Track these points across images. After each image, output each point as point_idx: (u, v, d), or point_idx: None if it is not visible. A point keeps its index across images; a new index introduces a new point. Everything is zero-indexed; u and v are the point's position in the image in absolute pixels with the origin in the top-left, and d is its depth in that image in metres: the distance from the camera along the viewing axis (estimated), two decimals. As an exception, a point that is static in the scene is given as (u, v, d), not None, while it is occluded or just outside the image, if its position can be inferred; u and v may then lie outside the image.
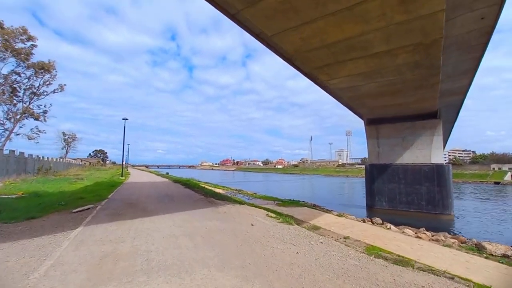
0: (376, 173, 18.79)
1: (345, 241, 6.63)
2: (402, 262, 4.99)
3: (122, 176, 28.71)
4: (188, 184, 21.86)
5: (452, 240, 8.93)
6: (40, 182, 16.16)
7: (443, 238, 9.26)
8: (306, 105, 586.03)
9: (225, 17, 7.01)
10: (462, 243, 8.62)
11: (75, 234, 5.70)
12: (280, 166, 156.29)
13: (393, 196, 18.01)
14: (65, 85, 26.63)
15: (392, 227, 11.41)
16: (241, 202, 12.22)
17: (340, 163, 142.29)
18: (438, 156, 16.83)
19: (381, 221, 13.18)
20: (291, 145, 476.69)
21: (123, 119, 25.68)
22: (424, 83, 11.73)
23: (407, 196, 17.53)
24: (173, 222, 7.00)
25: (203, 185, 23.07)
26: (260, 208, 10.58)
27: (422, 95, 13.42)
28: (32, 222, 6.47)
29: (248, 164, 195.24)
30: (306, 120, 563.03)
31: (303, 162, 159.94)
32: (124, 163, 34.92)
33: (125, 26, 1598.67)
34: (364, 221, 13.15)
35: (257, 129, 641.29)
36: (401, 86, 11.96)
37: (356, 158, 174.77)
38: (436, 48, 8.14)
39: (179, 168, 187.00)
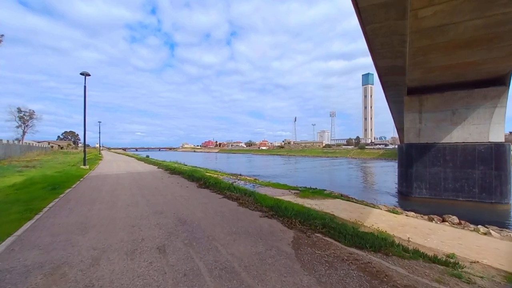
0: (415, 155, 15.40)
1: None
2: None
3: (85, 165, 19.96)
4: (197, 177, 12.62)
5: None
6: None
7: None
8: (290, 86, 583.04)
9: None
10: None
11: None
12: (264, 148, 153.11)
13: (437, 182, 14.83)
14: (2, 35, 19.60)
15: (493, 232, 7.99)
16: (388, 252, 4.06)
17: (324, 144, 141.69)
18: (499, 133, 13.61)
19: (457, 220, 9.80)
20: (273, 126, 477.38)
21: (81, 73, 17.95)
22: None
23: (455, 182, 14.40)
24: None
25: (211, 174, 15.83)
26: None
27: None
28: None
29: (231, 145, 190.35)
30: (289, 102, 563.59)
31: (288, 143, 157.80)
32: (87, 144, 28.59)
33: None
34: (431, 220, 9.63)
35: (240, 111, 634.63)
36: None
37: (338, 139, 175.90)
38: None
39: (159, 150, 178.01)
